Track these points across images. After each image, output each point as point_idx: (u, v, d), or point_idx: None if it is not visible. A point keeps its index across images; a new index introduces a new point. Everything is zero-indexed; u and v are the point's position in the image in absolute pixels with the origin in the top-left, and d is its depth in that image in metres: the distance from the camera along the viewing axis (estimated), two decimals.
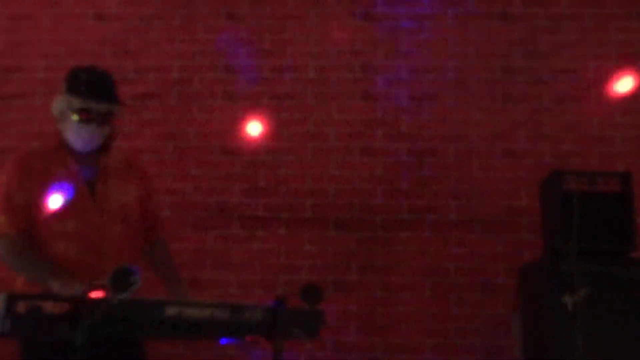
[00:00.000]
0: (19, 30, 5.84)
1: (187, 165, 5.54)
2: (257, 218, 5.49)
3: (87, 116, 3.48)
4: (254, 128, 5.59)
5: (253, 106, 5.66)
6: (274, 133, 5.61)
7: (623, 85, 5.43)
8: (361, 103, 5.66)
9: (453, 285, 5.36)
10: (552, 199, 4.58)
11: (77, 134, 3.52)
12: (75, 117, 3.49)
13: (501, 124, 5.60)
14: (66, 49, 5.79)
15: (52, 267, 3.35)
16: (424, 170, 5.54)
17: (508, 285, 5.28)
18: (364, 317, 5.34)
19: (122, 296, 2.64)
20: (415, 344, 5.29)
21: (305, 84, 5.71)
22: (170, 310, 2.81)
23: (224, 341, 3.11)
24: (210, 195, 5.50)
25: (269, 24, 5.83)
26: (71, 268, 3.37)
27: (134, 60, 5.77)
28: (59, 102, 3.56)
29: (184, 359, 5.27)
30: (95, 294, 2.66)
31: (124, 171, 3.70)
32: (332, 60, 5.75)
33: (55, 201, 3.45)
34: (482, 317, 5.31)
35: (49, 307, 2.61)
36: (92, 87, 3.49)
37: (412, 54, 5.76)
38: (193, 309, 2.87)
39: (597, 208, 4.44)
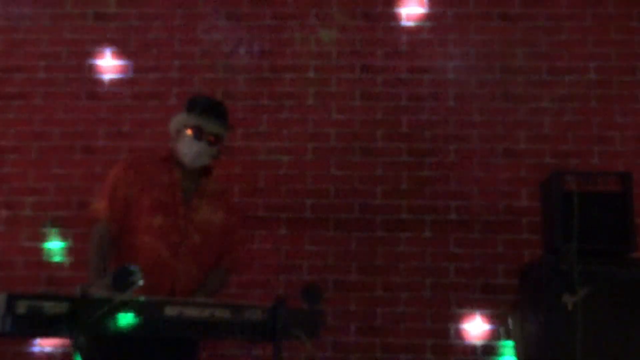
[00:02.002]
0: (19, 30, 5.83)
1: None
2: (257, 218, 5.49)
3: (200, 133, 3.87)
4: (254, 128, 5.59)
5: (253, 105, 5.66)
6: (274, 133, 5.61)
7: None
8: (361, 103, 5.66)
9: (453, 285, 5.36)
10: (552, 199, 4.58)
11: (188, 149, 3.89)
12: (189, 133, 3.88)
13: (501, 124, 5.59)
14: (66, 49, 5.79)
15: (103, 270, 3.64)
16: (424, 170, 5.53)
17: (508, 285, 5.28)
18: (364, 317, 5.34)
19: (123, 296, 2.65)
20: (415, 344, 5.29)
21: (306, 84, 5.71)
22: (170, 311, 2.82)
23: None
24: None
25: (269, 24, 5.83)
26: (147, 261, 3.64)
27: (134, 60, 5.77)
28: (176, 121, 3.97)
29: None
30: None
31: (218, 198, 4.04)
32: (332, 60, 5.75)
33: (151, 198, 3.82)
34: (482, 317, 5.30)
35: (49, 307, 2.61)
36: (208, 108, 3.92)
37: (413, 54, 5.75)
38: (193, 309, 2.88)
39: (597, 208, 4.44)
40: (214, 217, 3.97)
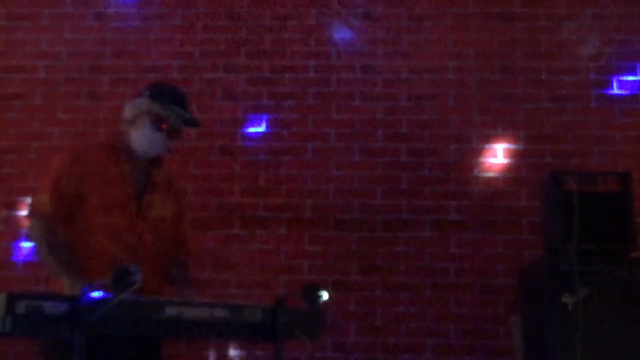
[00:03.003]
0: (19, 30, 5.84)
1: (187, 165, 5.54)
2: (257, 218, 5.49)
3: (160, 124, 3.66)
4: (254, 128, 5.60)
5: (253, 106, 5.66)
6: (274, 133, 5.61)
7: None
8: (361, 103, 5.66)
9: (453, 285, 5.36)
10: (552, 199, 4.57)
11: (145, 138, 3.68)
12: (149, 121, 3.65)
13: (501, 124, 5.59)
14: (66, 49, 5.79)
15: (70, 263, 3.44)
16: (424, 170, 5.53)
17: (508, 285, 5.28)
18: (364, 317, 5.34)
19: (123, 296, 2.65)
20: (415, 344, 5.30)
21: (306, 84, 5.71)
22: (170, 311, 2.82)
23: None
24: (210, 195, 5.51)
25: (269, 24, 5.83)
26: (106, 263, 3.45)
27: (134, 60, 5.77)
28: (136, 105, 3.70)
29: (184, 359, 5.27)
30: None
31: (167, 191, 3.87)
32: (333, 60, 5.75)
33: (102, 195, 3.58)
34: (482, 317, 5.31)
35: (49, 307, 2.61)
36: (174, 100, 3.69)
37: (412, 54, 5.75)
38: (193, 309, 2.87)
39: (597, 208, 4.44)
40: (165, 212, 3.79)
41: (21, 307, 2.53)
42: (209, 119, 5.62)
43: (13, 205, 5.54)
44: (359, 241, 5.44)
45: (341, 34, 5.77)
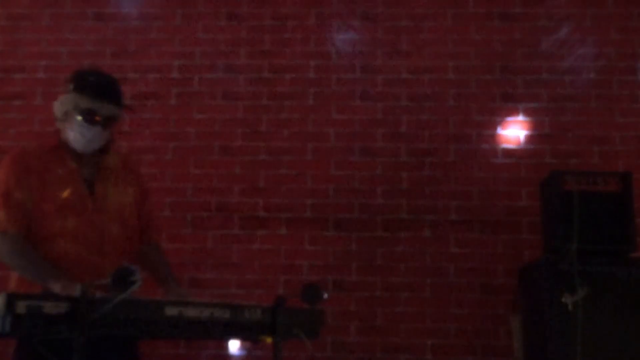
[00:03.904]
0: (19, 30, 5.83)
1: (187, 165, 5.54)
2: (257, 218, 5.49)
3: (92, 117, 3.48)
4: (254, 128, 5.60)
5: (253, 106, 5.66)
6: (274, 133, 5.61)
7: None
8: (361, 103, 5.66)
9: (453, 285, 5.36)
10: (552, 199, 4.58)
11: (80, 134, 3.51)
12: (80, 117, 3.47)
13: (501, 124, 5.59)
14: (66, 49, 5.79)
15: (51, 267, 3.36)
16: (424, 170, 5.53)
17: (508, 285, 5.28)
18: (364, 317, 5.34)
19: (122, 296, 2.65)
20: (415, 344, 5.30)
21: (306, 84, 5.71)
22: (170, 311, 2.82)
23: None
24: (211, 195, 5.51)
25: (269, 24, 5.83)
26: (71, 266, 3.40)
27: (134, 60, 5.77)
28: (63, 102, 3.52)
29: (184, 359, 5.27)
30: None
31: (122, 173, 3.71)
32: (333, 60, 5.75)
33: (54, 199, 3.46)
34: (482, 317, 5.31)
35: (49, 307, 2.60)
36: (101, 89, 3.49)
37: (412, 54, 5.75)
38: (193, 309, 2.88)
39: (597, 208, 4.44)
40: (125, 197, 3.66)
41: (21, 307, 2.53)
42: (210, 119, 5.62)
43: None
44: (358, 241, 5.44)
45: (341, 34, 5.76)
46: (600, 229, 4.41)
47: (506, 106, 5.62)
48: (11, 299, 2.52)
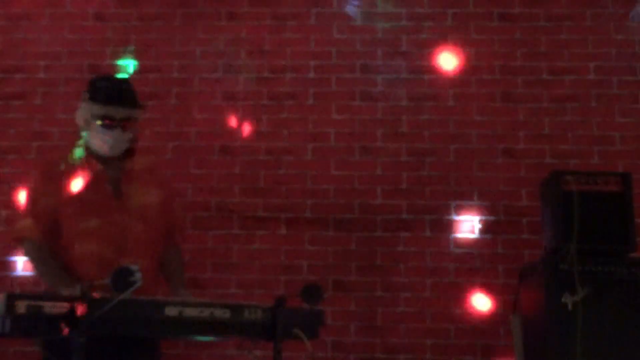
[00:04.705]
0: (19, 30, 5.83)
1: (187, 165, 5.55)
2: (257, 218, 5.49)
3: (109, 122, 3.67)
4: (254, 128, 5.60)
5: (253, 106, 5.66)
6: (274, 133, 5.61)
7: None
8: (361, 103, 5.66)
9: (453, 285, 5.36)
10: (552, 199, 4.58)
11: (101, 140, 3.70)
12: (98, 123, 3.67)
13: (501, 124, 5.59)
14: (66, 49, 5.79)
15: (65, 276, 3.55)
16: (424, 170, 5.53)
17: (508, 285, 5.28)
18: (364, 317, 5.34)
19: (122, 296, 2.65)
20: (415, 343, 5.30)
21: (306, 84, 5.71)
22: (170, 310, 2.82)
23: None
24: (210, 195, 5.50)
25: (269, 24, 5.83)
26: (94, 266, 3.56)
27: (134, 61, 5.76)
28: (82, 111, 3.75)
29: (184, 359, 5.27)
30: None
31: (147, 176, 3.88)
32: (333, 60, 5.75)
33: (78, 201, 3.65)
34: (482, 317, 5.31)
35: (48, 307, 2.61)
36: (112, 94, 3.67)
37: (412, 54, 5.75)
38: (193, 309, 2.88)
39: (597, 208, 4.44)
40: (150, 197, 3.81)
41: (21, 307, 2.54)
42: (210, 119, 5.62)
43: (13, 205, 5.53)
44: (358, 241, 5.44)
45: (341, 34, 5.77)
46: (600, 229, 4.41)
47: (506, 106, 5.62)
48: (11, 299, 2.53)
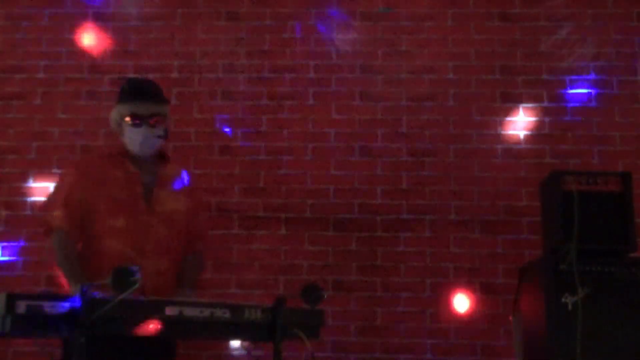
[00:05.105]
0: (19, 30, 5.83)
1: (188, 165, 5.54)
2: (257, 218, 5.49)
3: (137, 119, 3.79)
4: (254, 128, 5.60)
5: (253, 106, 5.66)
6: (274, 133, 5.61)
7: None
8: (361, 103, 5.66)
9: (453, 285, 5.36)
10: (552, 199, 4.58)
11: (133, 139, 3.85)
12: (127, 122, 3.82)
13: (501, 124, 5.59)
14: (66, 49, 5.78)
15: (80, 272, 3.67)
16: (424, 170, 5.53)
17: (508, 285, 5.27)
18: (364, 317, 5.34)
19: (122, 296, 2.65)
20: (415, 343, 5.30)
21: (306, 84, 5.71)
22: (171, 310, 2.82)
23: None
24: (211, 196, 5.50)
25: (269, 24, 5.83)
26: (115, 263, 3.50)
27: (134, 60, 5.76)
28: (114, 115, 3.90)
29: (184, 359, 5.27)
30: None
31: (179, 183, 4.01)
32: (333, 60, 5.75)
33: (109, 200, 3.79)
34: (482, 317, 5.31)
35: (48, 307, 2.61)
36: (136, 92, 3.85)
37: (412, 54, 5.75)
38: (193, 309, 2.88)
39: (597, 208, 4.44)
40: (178, 204, 3.93)
41: (21, 307, 2.54)
42: (210, 119, 5.62)
43: (13, 205, 5.53)
44: (358, 241, 5.44)
45: (341, 33, 5.77)
46: (600, 229, 4.40)
47: (506, 106, 5.62)
48: (11, 299, 2.53)
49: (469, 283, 5.36)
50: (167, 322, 2.82)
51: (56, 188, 3.95)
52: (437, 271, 5.39)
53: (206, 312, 2.91)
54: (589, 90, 5.61)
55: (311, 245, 5.44)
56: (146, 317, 2.78)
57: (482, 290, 5.35)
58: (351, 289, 5.37)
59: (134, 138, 3.84)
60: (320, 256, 5.41)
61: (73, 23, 5.83)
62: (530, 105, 5.60)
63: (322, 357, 5.25)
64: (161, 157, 4.02)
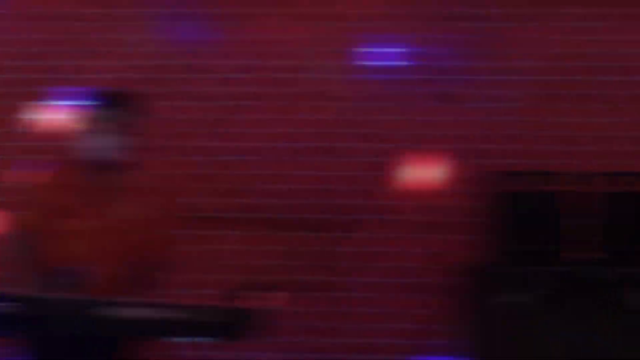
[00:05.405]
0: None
1: (155, 168, 5.50)
2: (217, 218, 5.47)
3: (94, 126, 3.73)
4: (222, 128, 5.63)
5: (221, 106, 5.67)
6: (242, 133, 5.62)
7: None
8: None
9: (417, 285, 5.34)
10: (495, 199, 4.59)
11: (90, 145, 3.74)
12: (87, 129, 3.74)
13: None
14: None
15: (31, 276, 3.59)
16: (383, 169, 5.53)
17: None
18: (326, 318, 5.37)
19: (64, 296, 2.68)
20: (377, 344, 5.32)
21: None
22: (120, 311, 2.84)
23: None
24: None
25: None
26: (63, 265, 3.53)
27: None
28: (78, 120, 3.85)
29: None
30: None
31: (142, 194, 3.88)
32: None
33: (61, 205, 3.73)
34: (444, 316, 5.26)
35: (3, 306, 2.64)
36: (97, 97, 3.82)
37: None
38: (147, 310, 2.90)
39: (533, 209, 4.46)
40: (135, 213, 3.81)
41: None
42: (180, 119, 5.62)
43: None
44: (324, 241, 5.42)
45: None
46: (535, 230, 4.43)
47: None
48: None
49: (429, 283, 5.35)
50: (117, 322, 2.84)
51: (26, 191, 3.98)
52: (399, 271, 5.39)
53: (162, 313, 2.93)
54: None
55: (270, 245, 5.41)
56: (99, 317, 2.81)
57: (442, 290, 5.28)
58: (314, 289, 5.33)
59: (91, 144, 3.75)
60: (282, 256, 5.37)
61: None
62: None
63: (282, 358, 5.22)
64: (124, 163, 3.86)
